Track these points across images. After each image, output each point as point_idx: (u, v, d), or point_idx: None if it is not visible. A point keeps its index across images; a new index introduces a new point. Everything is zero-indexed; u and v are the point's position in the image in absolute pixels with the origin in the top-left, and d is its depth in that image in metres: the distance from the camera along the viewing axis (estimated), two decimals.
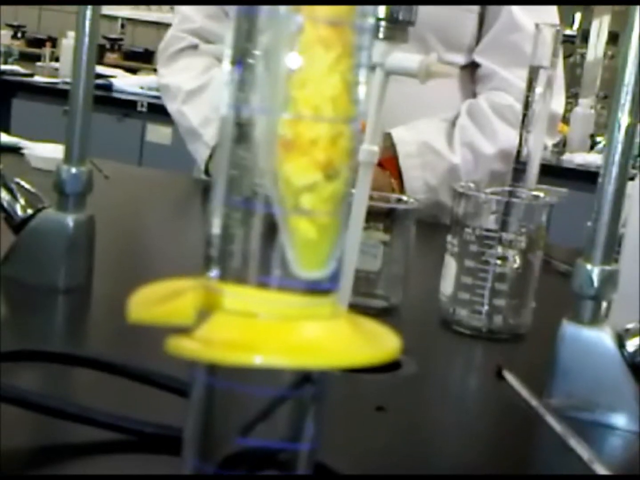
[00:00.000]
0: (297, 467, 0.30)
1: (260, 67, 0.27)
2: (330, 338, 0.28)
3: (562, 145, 3.34)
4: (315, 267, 0.28)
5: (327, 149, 0.27)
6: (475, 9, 1.43)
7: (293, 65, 0.26)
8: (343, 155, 0.28)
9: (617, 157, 0.65)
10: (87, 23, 0.78)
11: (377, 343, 0.29)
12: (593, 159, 3.19)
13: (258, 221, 0.28)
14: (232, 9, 0.29)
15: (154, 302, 0.30)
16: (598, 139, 3.49)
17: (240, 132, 0.28)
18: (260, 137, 0.27)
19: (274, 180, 0.27)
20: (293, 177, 0.27)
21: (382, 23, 0.67)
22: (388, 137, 1.34)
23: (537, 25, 0.92)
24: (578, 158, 3.24)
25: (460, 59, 1.44)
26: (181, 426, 0.32)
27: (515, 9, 1.42)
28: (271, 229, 0.28)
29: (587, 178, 2.88)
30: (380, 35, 0.67)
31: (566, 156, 3.28)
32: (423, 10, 0.71)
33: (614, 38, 4.14)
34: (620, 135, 0.65)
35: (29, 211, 0.81)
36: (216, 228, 0.29)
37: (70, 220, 0.79)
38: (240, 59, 0.27)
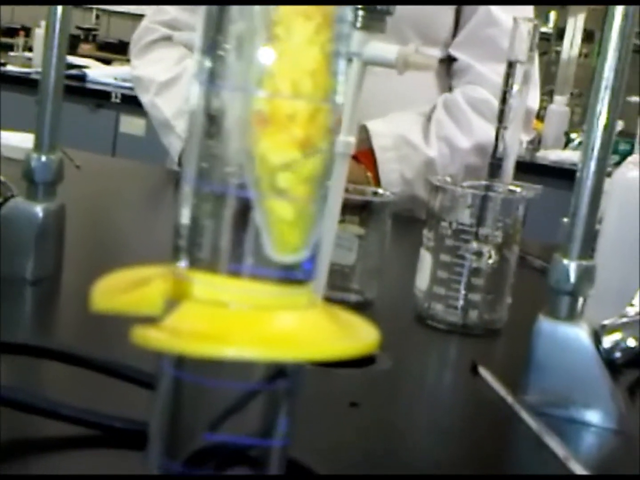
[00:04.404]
0: (268, 464, 0.29)
1: (237, 41, 0.26)
2: (306, 329, 0.27)
3: (537, 142, 3.35)
4: (291, 251, 0.27)
5: (305, 126, 0.26)
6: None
7: (271, 36, 0.25)
8: (322, 132, 0.27)
9: (595, 152, 0.65)
10: (59, 12, 0.77)
11: (355, 335, 0.28)
12: (567, 156, 3.20)
13: (230, 207, 0.27)
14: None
15: (120, 290, 0.28)
16: (572, 136, 3.51)
17: (211, 118, 0.27)
18: (235, 115, 0.26)
19: (249, 159, 0.26)
20: (269, 155, 0.26)
21: (360, 12, 0.66)
22: (364, 130, 1.33)
23: (514, 20, 0.91)
24: (552, 155, 3.25)
25: (437, 52, 1.44)
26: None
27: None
28: (244, 215, 0.27)
29: (561, 175, 2.89)
30: (358, 24, 0.66)
31: (541, 153, 3.30)
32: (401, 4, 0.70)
33: (589, 36, 4.16)
34: (599, 130, 0.65)
35: None
36: (185, 216, 0.28)
37: (39, 209, 0.78)
38: (215, 33, 0.26)
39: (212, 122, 0.27)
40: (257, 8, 0.25)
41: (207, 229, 0.27)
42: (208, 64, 0.27)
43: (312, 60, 0.26)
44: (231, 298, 0.27)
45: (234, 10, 0.26)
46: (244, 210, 0.27)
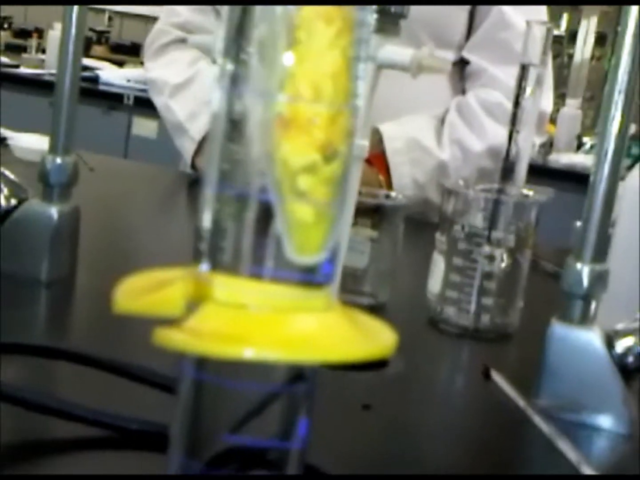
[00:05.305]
0: (286, 466, 0.29)
1: (259, 46, 0.26)
2: (325, 331, 0.27)
3: (548, 146, 3.34)
4: (311, 252, 0.27)
5: (326, 129, 0.26)
6: (466, 5, 1.43)
7: (293, 41, 0.25)
8: (342, 135, 0.27)
9: (608, 157, 0.65)
10: (74, 14, 0.78)
11: (373, 338, 0.28)
12: (579, 159, 3.19)
13: (251, 210, 0.27)
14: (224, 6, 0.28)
15: (142, 291, 0.29)
16: (585, 139, 3.50)
17: (233, 121, 0.28)
18: (257, 118, 0.26)
19: (270, 162, 0.26)
20: (290, 158, 0.26)
21: (374, 16, 0.66)
22: (376, 133, 1.33)
23: (527, 23, 0.91)
24: (564, 158, 3.24)
25: (451, 55, 1.44)
26: (166, 423, 0.31)
27: (506, 7, 1.42)
28: (265, 218, 0.27)
29: (573, 178, 2.88)
30: (372, 28, 0.66)
31: (553, 156, 3.29)
32: (414, 6, 0.70)
33: (601, 39, 4.15)
34: (612, 134, 0.65)
35: (13, 202, 0.79)
36: (207, 219, 0.28)
37: (54, 211, 0.78)
38: (237, 40, 0.26)
39: (233, 126, 0.27)
40: (278, 12, 0.25)
41: (229, 232, 0.27)
42: (230, 67, 0.27)
43: (333, 64, 0.26)
44: (251, 300, 0.27)
45: (256, 14, 0.26)
46: (265, 213, 0.27)
